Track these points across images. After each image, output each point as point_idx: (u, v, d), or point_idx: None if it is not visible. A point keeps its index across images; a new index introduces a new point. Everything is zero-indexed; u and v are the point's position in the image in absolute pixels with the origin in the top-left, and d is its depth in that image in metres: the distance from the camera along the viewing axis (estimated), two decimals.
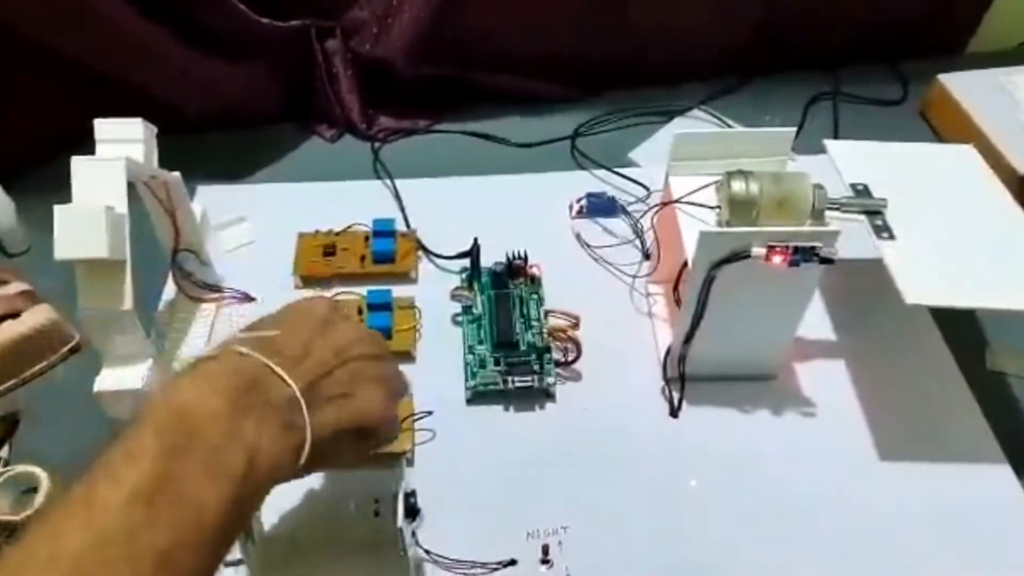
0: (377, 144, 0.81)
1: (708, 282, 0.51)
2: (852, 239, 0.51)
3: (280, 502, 0.46)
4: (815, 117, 0.84)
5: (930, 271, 0.51)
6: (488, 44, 0.80)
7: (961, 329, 0.63)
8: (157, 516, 0.30)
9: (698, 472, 0.54)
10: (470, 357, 0.60)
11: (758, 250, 0.49)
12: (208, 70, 0.75)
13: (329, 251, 0.67)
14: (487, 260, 0.65)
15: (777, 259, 0.48)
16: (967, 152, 0.61)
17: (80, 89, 0.73)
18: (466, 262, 0.66)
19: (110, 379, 0.52)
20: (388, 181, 0.76)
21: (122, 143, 0.52)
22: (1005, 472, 0.54)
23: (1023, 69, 0.82)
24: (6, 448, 0.55)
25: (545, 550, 0.50)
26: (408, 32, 0.77)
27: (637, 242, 0.69)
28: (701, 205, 0.55)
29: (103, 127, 0.52)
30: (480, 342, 0.61)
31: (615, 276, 0.67)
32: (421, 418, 0.55)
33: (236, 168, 0.78)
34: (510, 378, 0.57)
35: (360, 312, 0.63)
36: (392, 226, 0.69)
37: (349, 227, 0.69)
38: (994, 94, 0.79)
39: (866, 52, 0.89)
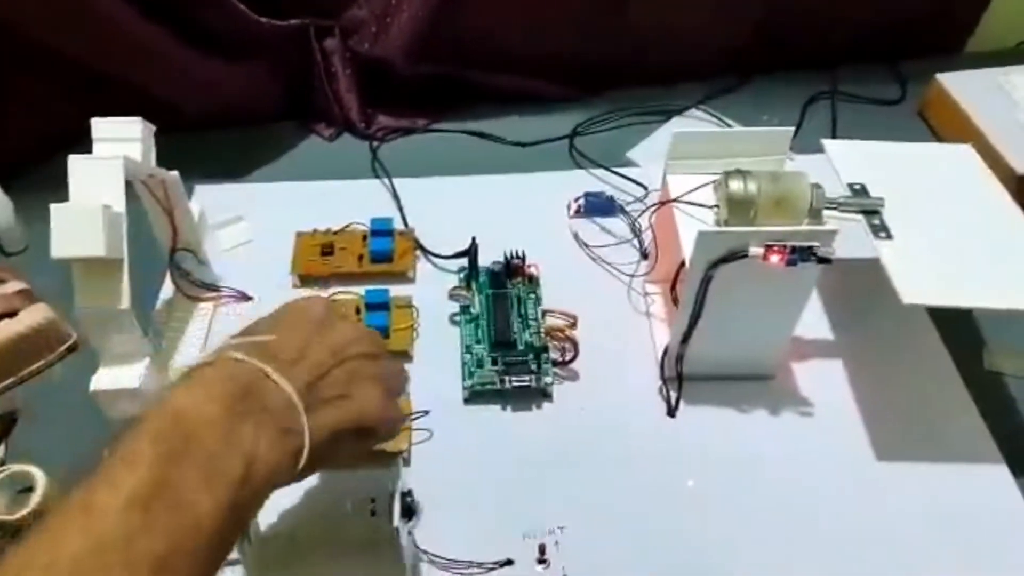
0: (375, 143, 0.81)
1: (706, 281, 0.51)
2: (850, 239, 0.51)
3: (276, 501, 0.46)
4: (813, 116, 0.84)
5: (928, 271, 0.51)
6: (487, 43, 0.80)
7: (959, 329, 0.63)
8: (154, 522, 0.30)
9: (695, 472, 0.54)
10: (467, 356, 0.60)
11: (756, 249, 0.49)
12: (208, 70, 0.75)
13: (327, 250, 0.67)
14: (485, 259, 0.65)
15: (775, 258, 0.48)
16: (965, 152, 0.61)
17: (80, 89, 0.73)
18: (464, 261, 0.66)
19: (107, 378, 0.52)
20: (386, 180, 0.76)
21: (120, 142, 0.52)
22: (1002, 472, 0.54)
23: (1021, 69, 0.82)
24: (3, 447, 0.55)
25: (542, 550, 0.50)
26: (407, 31, 0.77)
27: (635, 241, 0.69)
28: (699, 204, 0.55)
29: (101, 126, 0.52)
30: (478, 341, 0.61)
31: (613, 276, 0.67)
32: (418, 417, 0.55)
33: (234, 167, 0.78)
34: (507, 378, 0.57)
35: (358, 311, 0.63)
36: (390, 225, 0.69)
37: (347, 226, 0.69)
38: (992, 94, 0.79)
39: (865, 52, 0.89)
